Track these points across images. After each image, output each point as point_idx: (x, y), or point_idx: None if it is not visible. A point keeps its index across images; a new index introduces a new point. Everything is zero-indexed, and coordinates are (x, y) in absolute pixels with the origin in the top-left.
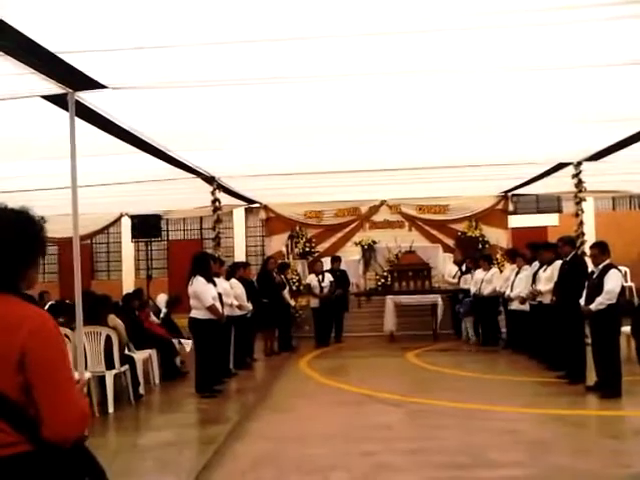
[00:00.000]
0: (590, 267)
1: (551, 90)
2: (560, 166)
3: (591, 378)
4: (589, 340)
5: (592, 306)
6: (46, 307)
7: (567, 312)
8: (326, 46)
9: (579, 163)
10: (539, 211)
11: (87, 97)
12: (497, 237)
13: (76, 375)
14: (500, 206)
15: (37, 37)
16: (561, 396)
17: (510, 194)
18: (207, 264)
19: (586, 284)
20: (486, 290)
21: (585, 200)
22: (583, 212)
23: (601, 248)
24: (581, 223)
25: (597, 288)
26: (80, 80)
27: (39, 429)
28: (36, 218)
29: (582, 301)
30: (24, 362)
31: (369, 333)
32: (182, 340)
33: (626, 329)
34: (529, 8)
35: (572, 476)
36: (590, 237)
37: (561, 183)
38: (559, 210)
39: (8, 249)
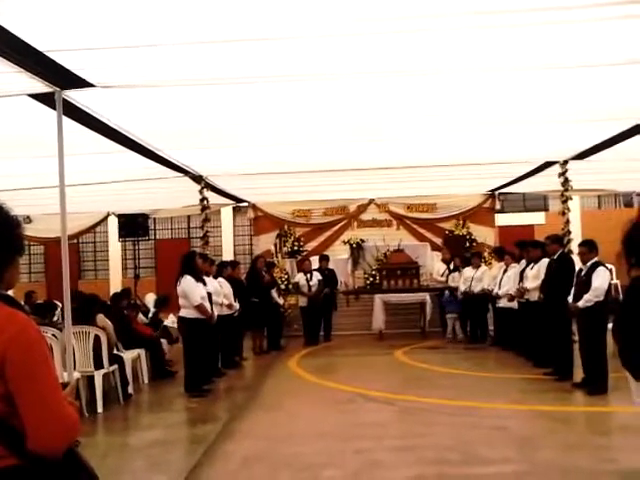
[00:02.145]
0: (578, 265)
1: (538, 89)
2: (547, 165)
3: (578, 375)
4: (576, 337)
5: (580, 303)
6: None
7: (554, 309)
8: (314, 45)
9: (565, 162)
10: (526, 209)
11: (75, 96)
12: (484, 235)
13: (65, 377)
14: (487, 204)
15: (24, 35)
16: (549, 393)
17: (497, 192)
18: (193, 262)
19: (574, 281)
20: (476, 288)
21: (571, 199)
22: (569, 210)
23: (589, 246)
24: (567, 221)
25: (585, 285)
26: (68, 78)
27: (23, 441)
28: (11, 214)
29: (570, 298)
30: (4, 371)
31: (358, 331)
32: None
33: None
34: (516, 8)
35: (561, 472)
36: (576, 235)
37: (547, 182)
38: (545, 208)
39: None
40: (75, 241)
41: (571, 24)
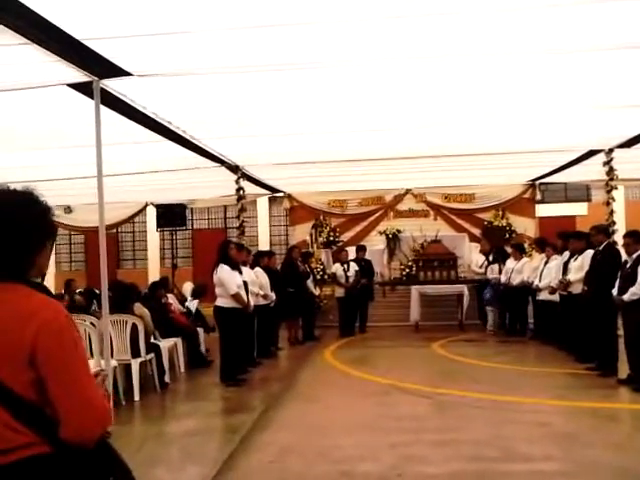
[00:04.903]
0: (623, 257)
1: (582, 73)
2: (591, 153)
3: (623, 371)
4: (621, 331)
5: (625, 296)
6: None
7: (599, 302)
8: (352, 31)
9: (611, 150)
10: (567, 200)
11: (112, 85)
12: (525, 226)
13: (102, 364)
14: (527, 195)
15: (62, 24)
16: (592, 389)
17: (538, 182)
18: (225, 252)
19: (619, 274)
20: (515, 280)
21: (616, 188)
22: (614, 200)
23: (635, 237)
24: (612, 212)
25: (630, 278)
26: (105, 67)
27: (57, 429)
28: (41, 199)
29: (614, 291)
30: (35, 358)
31: (394, 323)
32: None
33: None
34: None
35: (605, 472)
36: (620, 226)
37: (590, 171)
38: (588, 199)
39: (12, 233)
40: (114, 231)
41: (617, 3)
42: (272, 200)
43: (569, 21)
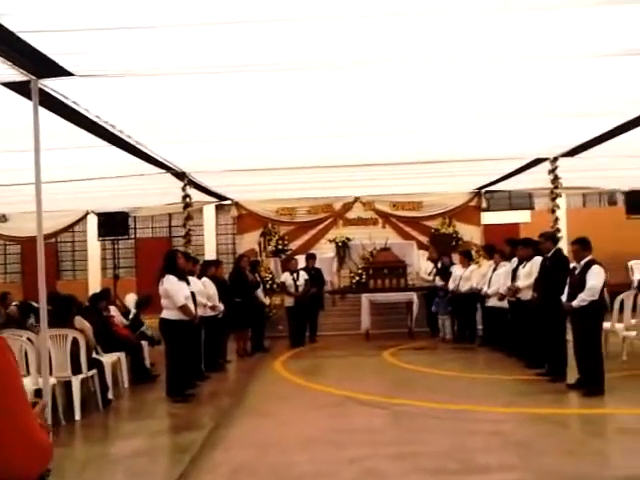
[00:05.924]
0: (572, 263)
1: (530, 83)
2: (536, 162)
3: (572, 376)
4: (569, 337)
5: (574, 303)
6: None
7: (548, 309)
8: (301, 33)
9: (555, 159)
10: (511, 208)
11: (52, 85)
12: (471, 234)
13: (39, 383)
14: (473, 203)
15: None
16: (543, 394)
17: (483, 191)
18: (173, 261)
19: (568, 280)
20: (464, 287)
21: (560, 196)
22: (559, 208)
23: (583, 244)
24: (557, 219)
25: (579, 284)
26: (45, 66)
27: None
28: None
29: (564, 298)
30: None
31: (344, 332)
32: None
33: (607, 325)
34: None
35: (562, 479)
36: (562, 234)
37: (535, 179)
38: (531, 207)
39: None
40: (53, 240)
41: (563, 12)
42: (219, 208)
43: (517, 28)
